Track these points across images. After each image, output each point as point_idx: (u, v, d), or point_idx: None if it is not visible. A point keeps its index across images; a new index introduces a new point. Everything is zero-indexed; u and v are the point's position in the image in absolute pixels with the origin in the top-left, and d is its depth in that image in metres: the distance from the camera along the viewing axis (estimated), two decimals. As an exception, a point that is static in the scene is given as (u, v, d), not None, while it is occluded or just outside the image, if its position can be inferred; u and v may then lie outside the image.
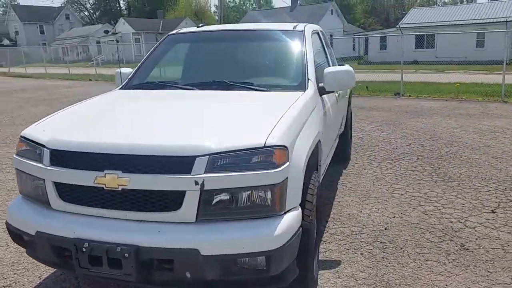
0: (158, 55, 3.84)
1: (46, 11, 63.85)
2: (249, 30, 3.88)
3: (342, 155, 5.58)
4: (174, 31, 4.06)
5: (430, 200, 4.29)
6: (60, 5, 68.51)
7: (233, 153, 2.12)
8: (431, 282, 2.85)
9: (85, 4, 75.68)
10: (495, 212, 3.92)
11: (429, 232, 3.57)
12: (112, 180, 2.14)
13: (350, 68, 3.27)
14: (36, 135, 2.47)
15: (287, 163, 2.20)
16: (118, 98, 3.26)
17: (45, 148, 2.35)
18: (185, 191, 2.08)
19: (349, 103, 5.73)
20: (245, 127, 2.35)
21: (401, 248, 3.32)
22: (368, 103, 11.29)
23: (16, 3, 70.78)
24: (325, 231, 3.64)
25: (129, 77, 3.65)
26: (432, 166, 5.39)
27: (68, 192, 2.28)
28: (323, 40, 4.27)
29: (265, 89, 3.09)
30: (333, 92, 3.43)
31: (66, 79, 23.52)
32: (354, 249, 3.33)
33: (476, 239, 3.42)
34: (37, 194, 2.41)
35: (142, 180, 2.12)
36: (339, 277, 2.94)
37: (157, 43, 4.02)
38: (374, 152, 6.18)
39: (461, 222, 3.74)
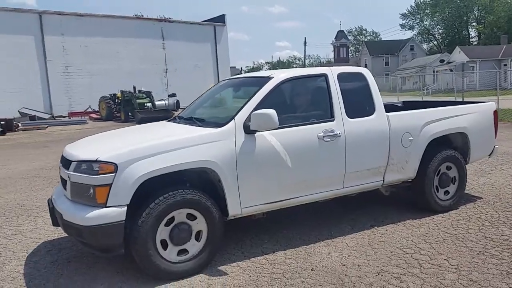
0: (205, 96, 5.20)
1: (392, 44, 69.78)
2: (246, 77, 4.66)
3: (415, 202, 5.11)
4: (227, 78, 5.29)
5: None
6: (409, 38, 73.08)
7: (84, 162, 3.50)
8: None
9: (434, 34, 77.25)
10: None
11: None
12: (63, 172, 3.91)
13: (269, 112, 3.68)
14: (72, 145, 4.51)
15: (112, 174, 3.34)
16: (139, 127, 4.89)
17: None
18: (66, 180, 3.61)
19: (456, 149, 5.18)
20: (114, 147, 3.61)
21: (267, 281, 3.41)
22: None
23: (368, 40, 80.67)
24: (263, 254, 4.01)
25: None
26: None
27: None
28: (330, 85, 4.30)
29: (199, 124, 4.05)
30: (278, 129, 3.84)
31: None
32: (257, 272, 3.67)
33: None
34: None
35: (62, 171, 3.79)
36: (210, 279, 3.54)
37: (214, 85, 5.35)
38: (499, 211, 5.02)
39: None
